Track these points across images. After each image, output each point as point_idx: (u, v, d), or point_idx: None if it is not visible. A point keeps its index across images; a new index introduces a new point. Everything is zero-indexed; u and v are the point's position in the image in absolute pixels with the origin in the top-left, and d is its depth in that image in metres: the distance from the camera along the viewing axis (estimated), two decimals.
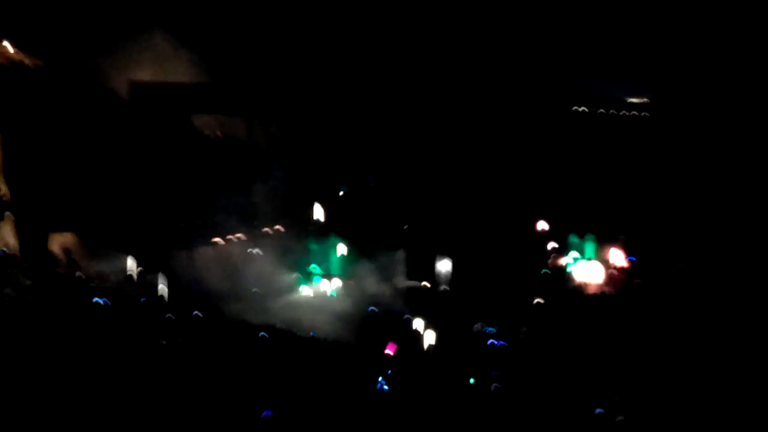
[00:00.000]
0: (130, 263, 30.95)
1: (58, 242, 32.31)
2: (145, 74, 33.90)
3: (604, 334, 28.37)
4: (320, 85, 34.59)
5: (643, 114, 33.12)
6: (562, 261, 34.87)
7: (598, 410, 21.16)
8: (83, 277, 29.91)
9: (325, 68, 35.43)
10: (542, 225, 35.02)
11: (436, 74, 35.02)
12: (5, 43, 33.65)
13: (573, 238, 34.48)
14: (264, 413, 18.91)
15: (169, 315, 26.32)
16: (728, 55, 29.29)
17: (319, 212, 35.80)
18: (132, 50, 33.76)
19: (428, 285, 33.35)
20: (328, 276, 34.08)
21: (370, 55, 35.75)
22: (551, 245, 34.88)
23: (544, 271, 34.54)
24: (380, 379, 22.13)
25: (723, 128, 29.66)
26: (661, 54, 31.45)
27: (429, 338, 28.78)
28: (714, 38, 29.70)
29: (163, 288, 29.67)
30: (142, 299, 28.58)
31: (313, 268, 34.58)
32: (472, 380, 23.11)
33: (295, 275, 34.14)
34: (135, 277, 31.02)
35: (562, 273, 34.61)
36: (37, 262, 30.47)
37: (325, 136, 35.21)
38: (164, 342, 23.52)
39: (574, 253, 34.73)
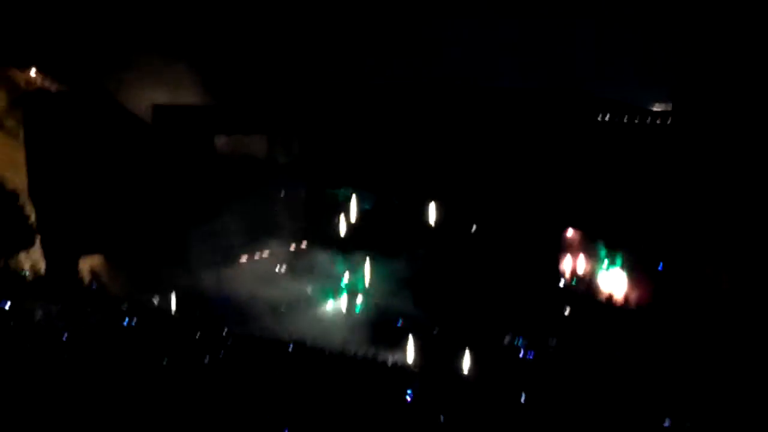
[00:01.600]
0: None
1: (87, 265, 32.58)
2: (167, 97, 34.10)
3: (633, 343, 28.09)
4: (342, 102, 34.60)
5: (667, 121, 32.78)
6: (590, 270, 34.65)
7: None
8: (113, 300, 30.10)
9: (347, 85, 35.50)
10: (570, 234, 34.80)
11: (456, 89, 34.96)
12: (31, 71, 34.20)
13: (600, 247, 34.31)
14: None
15: (199, 333, 26.38)
16: (754, 58, 29.01)
17: (344, 228, 35.82)
18: (153, 73, 34.00)
19: (454, 297, 33.25)
20: (354, 291, 34.11)
21: (388, 69, 35.86)
22: (579, 255, 34.68)
23: (570, 281, 34.59)
24: (409, 391, 22.02)
25: (749, 132, 29.28)
26: (683, 60, 31.24)
27: (458, 351, 28.64)
28: (738, 42, 29.44)
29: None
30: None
31: (340, 283, 34.68)
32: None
33: (321, 291, 34.27)
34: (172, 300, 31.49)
35: (591, 282, 34.43)
36: (65, 286, 30.70)
37: (348, 153, 35.19)
38: (191, 360, 23.59)
39: (603, 263, 34.56)
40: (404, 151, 34.28)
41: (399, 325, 31.76)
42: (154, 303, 31.22)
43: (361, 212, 36.18)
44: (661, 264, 32.87)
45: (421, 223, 35.13)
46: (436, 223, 34.96)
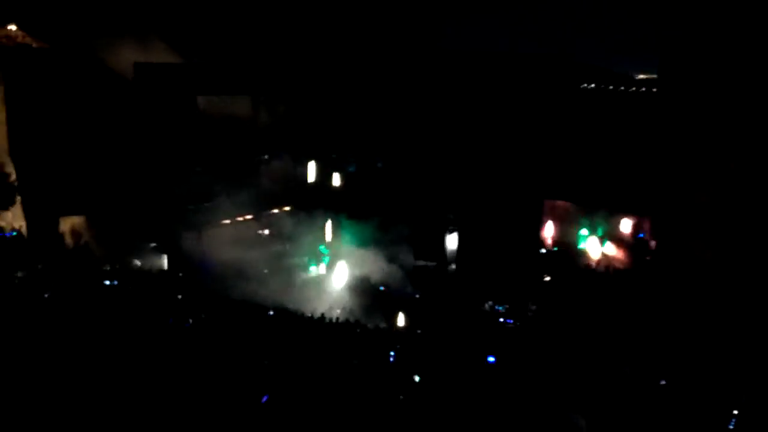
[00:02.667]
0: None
1: (68, 225, 32.44)
2: (148, 55, 33.60)
3: (614, 312, 28.29)
4: (329, 64, 34.34)
5: (652, 90, 32.78)
6: (572, 238, 34.89)
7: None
8: (94, 260, 30.08)
9: (334, 47, 35.16)
10: (551, 201, 34.97)
11: (440, 53, 34.76)
12: (11, 27, 33.62)
13: (582, 215, 34.53)
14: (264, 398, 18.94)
15: (179, 296, 26.41)
16: (741, 29, 28.90)
17: (326, 192, 35.79)
18: (135, 31, 33.47)
19: (436, 264, 33.46)
20: (336, 256, 34.18)
21: (373, 35, 35.56)
22: (559, 222, 34.90)
23: (551, 248, 34.88)
24: (392, 353, 22.29)
25: (736, 102, 29.27)
26: (669, 27, 31.11)
27: (438, 317, 28.82)
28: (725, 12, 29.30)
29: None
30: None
31: (322, 248, 34.73)
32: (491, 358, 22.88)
33: (303, 255, 34.32)
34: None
35: (572, 250, 34.68)
36: (46, 246, 30.58)
37: (333, 116, 35.02)
38: (172, 322, 23.64)
39: (583, 230, 34.81)
40: (388, 114, 34.17)
41: (381, 289, 31.92)
42: (135, 264, 31.19)
43: (345, 176, 36.13)
44: (642, 233, 33.21)
45: (404, 188, 35.13)
46: (419, 187, 34.95)
